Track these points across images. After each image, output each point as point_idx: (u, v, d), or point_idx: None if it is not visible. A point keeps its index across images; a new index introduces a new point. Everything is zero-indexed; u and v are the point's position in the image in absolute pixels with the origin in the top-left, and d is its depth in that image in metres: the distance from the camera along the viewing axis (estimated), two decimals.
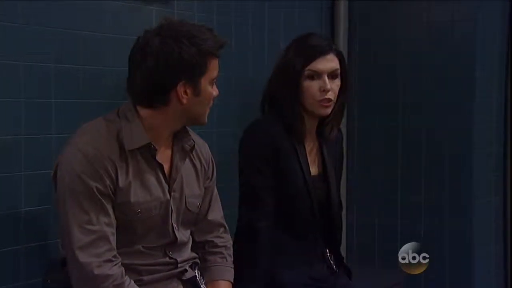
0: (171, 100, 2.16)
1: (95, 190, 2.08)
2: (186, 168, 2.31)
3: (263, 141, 2.64)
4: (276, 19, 3.54)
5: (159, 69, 2.10)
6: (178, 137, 2.29)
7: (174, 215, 2.27)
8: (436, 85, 3.72)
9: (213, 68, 2.19)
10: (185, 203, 2.31)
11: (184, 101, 2.15)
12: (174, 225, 2.27)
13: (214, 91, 2.23)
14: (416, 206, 3.76)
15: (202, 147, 2.41)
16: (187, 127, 2.32)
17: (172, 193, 2.25)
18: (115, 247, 2.12)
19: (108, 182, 2.10)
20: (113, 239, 2.11)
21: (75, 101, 2.60)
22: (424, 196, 3.74)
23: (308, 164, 2.73)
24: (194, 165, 2.36)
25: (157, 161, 2.21)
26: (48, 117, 2.52)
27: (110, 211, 2.11)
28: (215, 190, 2.48)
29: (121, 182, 2.13)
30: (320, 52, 2.66)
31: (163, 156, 2.25)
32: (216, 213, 2.47)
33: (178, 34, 2.12)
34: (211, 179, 2.44)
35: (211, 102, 2.25)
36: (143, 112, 2.19)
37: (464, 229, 3.66)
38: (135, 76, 2.15)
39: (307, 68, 2.65)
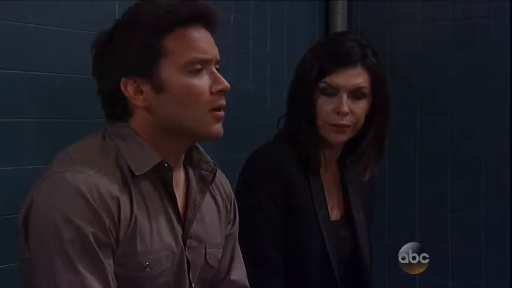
0: (130, 107, 1.75)
1: (91, 238, 1.64)
2: (206, 205, 1.88)
3: (273, 179, 2.23)
4: (262, 23, 3.26)
5: (97, 68, 1.77)
6: (194, 160, 1.87)
7: (191, 270, 1.85)
8: (463, 96, 3.32)
9: (180, 48, 1.70)
10: (205, 255, 1.88)
11: (141, 103, 1.72)
12: (193, 284, 1.85)
13: (206, 83, 1.73)
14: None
15: (221, 177, 1.98)
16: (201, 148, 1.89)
17: (187, 240, 1.82)
18: None
19: (109, 225, 1.66)
20: None
21: (21, 120, 2.23)
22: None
23: (326, 204, 2.31)
24: (215, 201, 1.93)
25: (170, 191, 1.77)
26: None
27: (111, 268, 1.68)
28: (237, 241, 2.04)
29: (125, 225, 1.70)
30: (343, 62, 2.25)
31: (174, 186, 1.82)
32: (240, 271, 2.03)
33: (125, 19, 1.74)
34: (233, 224, 2.00)
35: (202, 98, 1.72)
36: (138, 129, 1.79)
37: None
38: None
39: (322, 80, 2.25)
